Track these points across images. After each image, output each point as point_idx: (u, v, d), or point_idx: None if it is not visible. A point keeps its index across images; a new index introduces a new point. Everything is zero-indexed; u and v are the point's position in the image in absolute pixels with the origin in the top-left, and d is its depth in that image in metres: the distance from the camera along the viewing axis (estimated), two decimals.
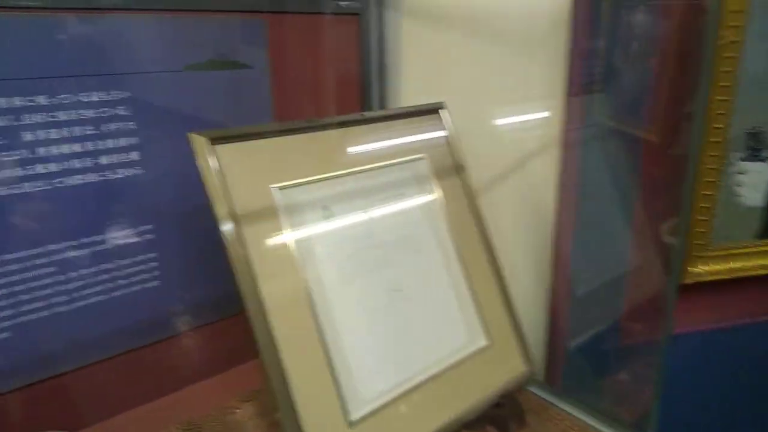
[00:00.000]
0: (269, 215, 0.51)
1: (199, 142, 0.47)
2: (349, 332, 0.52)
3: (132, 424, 0.64)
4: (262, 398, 0.69)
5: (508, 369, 0.61)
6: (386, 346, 0.54)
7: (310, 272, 0.51)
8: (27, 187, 0.53)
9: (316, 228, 0.53)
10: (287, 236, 0.51)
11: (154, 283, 0.64)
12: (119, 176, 0.59)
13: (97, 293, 0.60)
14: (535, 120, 0.69)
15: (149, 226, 0.62)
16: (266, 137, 0.53)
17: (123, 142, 0.58)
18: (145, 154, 0.60)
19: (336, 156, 0.57)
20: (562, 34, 0.62)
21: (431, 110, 0.64)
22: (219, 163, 0.48)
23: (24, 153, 0.53)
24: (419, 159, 0.61)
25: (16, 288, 0.54)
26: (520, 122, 0.70)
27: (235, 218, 0.48)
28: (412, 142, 0.62)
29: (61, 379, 0.59)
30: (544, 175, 0.68)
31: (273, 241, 0.50)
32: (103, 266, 0.60)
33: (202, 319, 0.69)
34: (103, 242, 0.59)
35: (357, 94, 0.77)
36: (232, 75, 0.65)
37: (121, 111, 0.57)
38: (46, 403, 0.59)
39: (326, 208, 0.54)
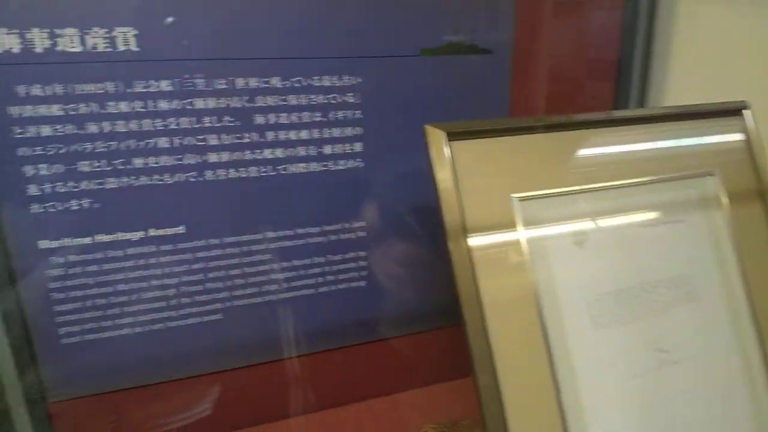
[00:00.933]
0: (505, 229, 0.42)
1: (435, 135, 0.40)
2: (592, 392, 0.40)
3: (315, 428, 0.61)
4: None
5: None
6: (641, 424, 0.41)
7: (549, 307, 0.41)
8: (253, 172, 0.52)
9: (561, 253, 0.42)
10: (525, 258, 0.41)
11: (360, 284, 0.60)
12: (340, 168, 0.55)
13: (306, 286, 0.58)
14: None
15: (362, 223, 0.58)
16: (507, 135, 0.44)
17: (348, 131, 0.54)
18: (368, 145, 0.55)
19: (591, 163, 0.45)
20: None
21: (726, 111, 0.48)
22: (453, 161, 0.41)
23: (254, 136, 0.51)
24: (706, 175, 0.46)
25: (233, 272, 0.54)
26: None
27: (464, 226, 0.40)
28: (697, 152, 0.47)
29: (256, 369, 0.58)
30: None
31: (507, 261, 0.41)
32: (316, 260, 0.57)
33: (401, 329, 0.64)
34: (317, 234, 0.57)
35: (611, 87, 0.63)
36: (469, 60, 0.56)
37: (350, 98, 0.53)
38: (225, 391, 0.58)
39: (576, 230, 0.43)
